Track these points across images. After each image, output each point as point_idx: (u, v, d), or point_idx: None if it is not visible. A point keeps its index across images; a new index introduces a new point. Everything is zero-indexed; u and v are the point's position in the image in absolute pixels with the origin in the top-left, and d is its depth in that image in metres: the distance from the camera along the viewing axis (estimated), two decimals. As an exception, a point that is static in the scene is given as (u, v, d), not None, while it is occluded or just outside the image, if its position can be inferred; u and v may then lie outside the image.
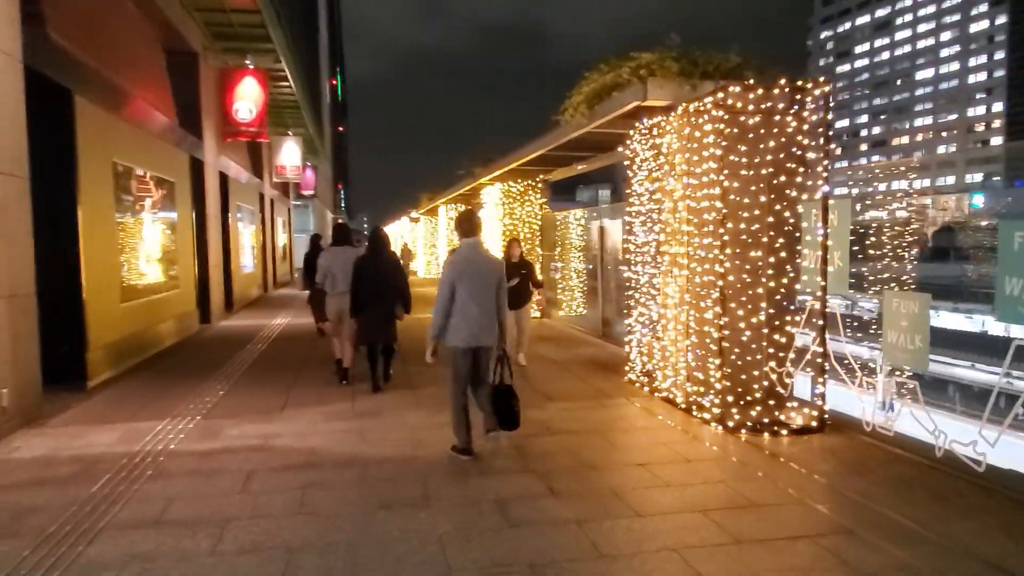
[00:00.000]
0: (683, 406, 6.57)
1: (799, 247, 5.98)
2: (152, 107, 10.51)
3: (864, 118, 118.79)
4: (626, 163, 8.06)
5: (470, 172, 15.49)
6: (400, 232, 39.07)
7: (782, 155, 5.81)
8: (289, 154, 23.04)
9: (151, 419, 6.33)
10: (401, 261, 8.50)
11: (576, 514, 4.15)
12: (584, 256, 12.77)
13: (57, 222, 7.50)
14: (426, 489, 4.56)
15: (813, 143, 5.83)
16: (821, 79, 5.74)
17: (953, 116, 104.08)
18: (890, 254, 6.73)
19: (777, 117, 5.76)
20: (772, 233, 5.88)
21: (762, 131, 5.79)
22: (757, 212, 5.84)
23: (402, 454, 5.31)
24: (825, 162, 5.59)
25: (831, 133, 5.67)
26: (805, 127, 5.78)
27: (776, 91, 5.69)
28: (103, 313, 8.18)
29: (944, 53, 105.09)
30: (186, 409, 6.72)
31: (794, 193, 6.02)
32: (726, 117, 5.78)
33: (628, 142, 7.93)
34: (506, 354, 5.42)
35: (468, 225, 5.41)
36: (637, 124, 7.63)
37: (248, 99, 14.37)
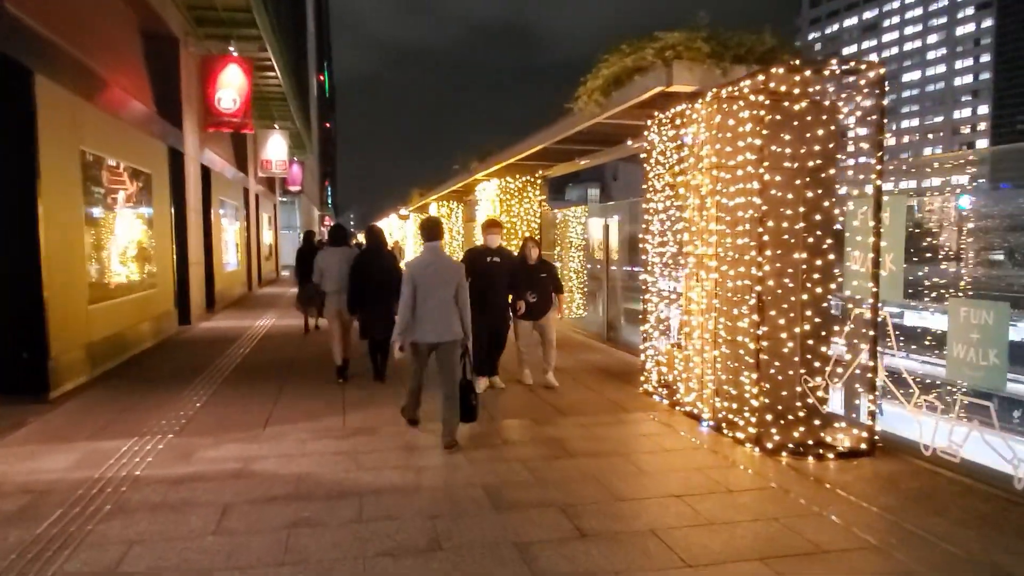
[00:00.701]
0: (711, 423, 5.95)
1: (848, 248, 5.37)
2: (127, 93, 9.76)
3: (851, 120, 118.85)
4: (642, 156, 7.43)
5: (466, 167, 14.82)
6: (389, 229, 38.23)
7: (831, 145, 5.21)
8: (275, 148, 22.23)
9: (117, 437, 5.62)
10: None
11: (614, 563, 3.51)
12: (586, 256, 12.14)
13: (14, 216, 6.76)
14: (435, 530, 3.90)
15: (865, 132, 5.23)
16: (875, 60, 5.14)
17: (939, 118, 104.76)
18: (946, 256, 6.13)
19: (826, 102, 5.15)
20: (819, 232, 5.27)
21: (808, 118, 5.18)
22: (802, 209, 5.23)
23: (403, 483, 4.65)
24: (879, 153, 4.98)
25: (885, 120, 5.06)
26: (857, 114, 5.17)
27: (826, 73, 5.07)
28: (68, 316, 7.44)
29: (931, 56, 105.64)
30: (157, 425, 6.01)
31: (843, 188, 5.42)
32: (767, 102, 5.16)
33: (646, 133, 7.30)
34: (468, 350, 5.65)
35: (431, 230, 5.68)
36: (656, 113, 7.00)
37: (232, 88, 13.61)
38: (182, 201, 12.61)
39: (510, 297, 7.44)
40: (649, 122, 7.22)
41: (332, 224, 8.98)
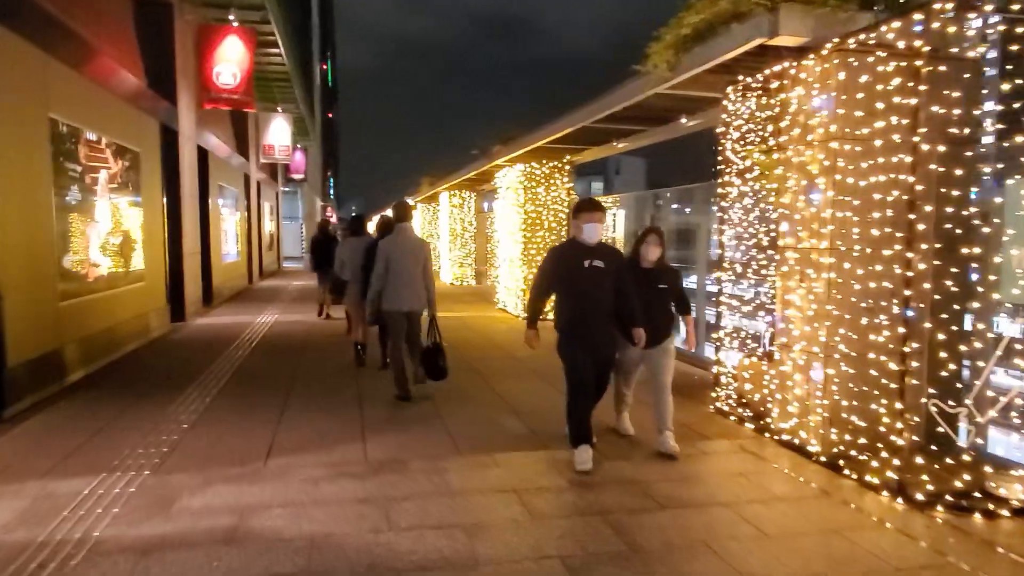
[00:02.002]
0: (821, 458, 4.77)
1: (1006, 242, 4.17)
2: (111, 60, 8.54)
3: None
4: (719, 130, 6.23)
5: (487, 152, 13.59)
6: (418, 224, 37.02)
7: (1018, 105, 4.00)
8: (278, 133, 21.01)
9: (79, 473, 4.44)
10: None
11: None
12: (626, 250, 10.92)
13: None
14: (512, 643, 2.72)
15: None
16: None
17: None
18: None
19: (1014, 47, 3.94)
20: (997, 220, 4.07)
21: (987, 71, 3.98)
22: (976, 191, 4.03)
23: (454, 552, 3.46)
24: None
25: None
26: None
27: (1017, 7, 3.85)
28: (31, 316, 6.25)
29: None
30: (133, 454, 4.83)
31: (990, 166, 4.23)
32: (926, 50, 3.96)
33: (725, 103, 6.10)
34: (435, 319, 6.42)
35: (402, 212, 6.53)
36: (740, 77, 5.80)
37: (231, 61, 12.37)
38: (176, 185, 11.40)
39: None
40: (729, 89, 6.02)
41: (352, 215, 9.67)
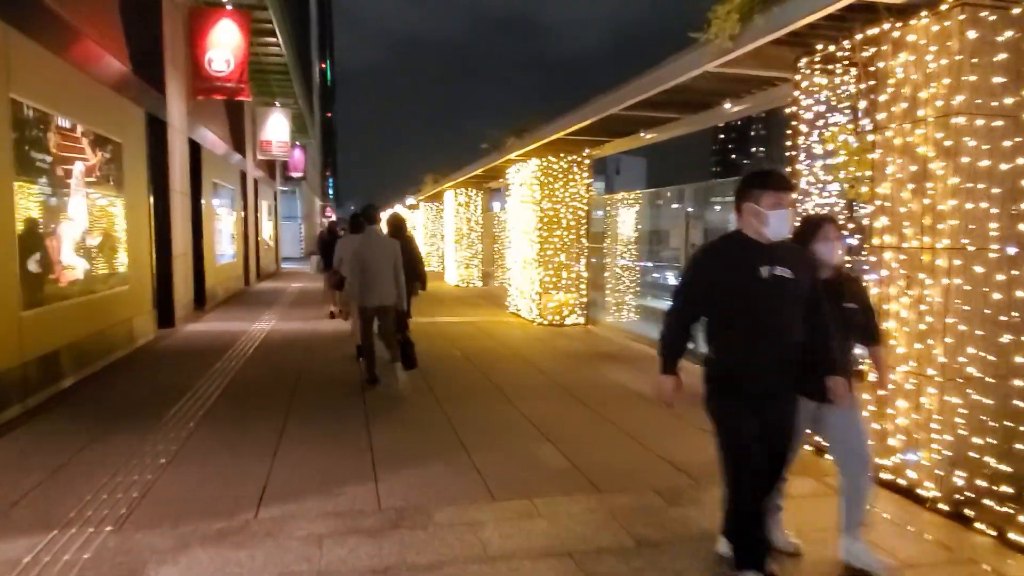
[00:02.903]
0: (941, 506, 3.88)
1: None
2: (90, 39, 7.65)
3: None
4: (789, 110, 5.35)
5: (498, 145, 12.69)
6: (421, 223, 35.72)
7: None
8: (276, 128, 20.11)
9: (24, 531, 3.55)
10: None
11: None
12: (648, 252, 10.08)
13: None
14: None
15: None
16: None
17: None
18: None
19: None
20: None
21: None
22: None
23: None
24: None
25: None
26: None
27: None
28: (-15, 328, 5.36)
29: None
30: (95, 502, 3.94)
31: None
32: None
33: (797, 77, 5.22)
34: (408, 313, 7.31)
35: (371, 216, 7.21)
36: (818, 46, 4.92)
37: (225, 47, 11.49)
38: (164, 180, 10.51)
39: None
40: (803, 62, 5.14)
41: (352, 213, 9.94)
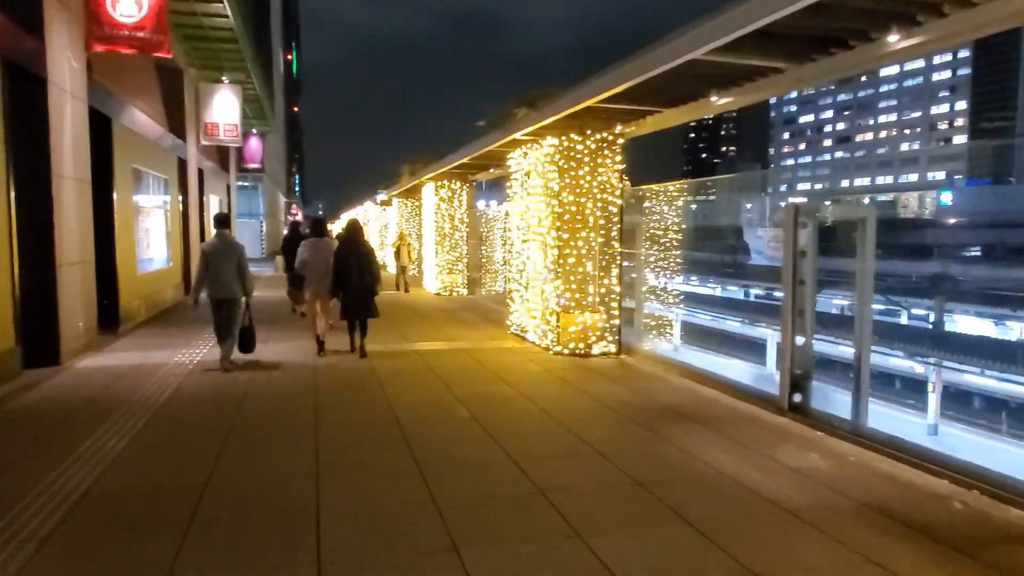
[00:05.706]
0: None
1: None
2: None
3: (829, 113, 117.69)
4: None
5: (503, 120, 9.88)
6: (395, 221, 32.46)
7: None
8: (223, 108, 16.97)
9: None
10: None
11: None
12: (728, 262, 7.36)
13: None
14: None
15: None
16: None
17: (917, 113, 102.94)
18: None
19: None
20: None
21: None
22: None
23: None
24: None
25: None
26: None
27: None
28: None
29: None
30: None
31: None
32: None
33: None
34: (248, 305, 7.85)
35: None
36: None
37: (134, -18, 8.49)
38: (41, 160, 7.51)
39: None
40: None
41: (314, 218, 10.52)
